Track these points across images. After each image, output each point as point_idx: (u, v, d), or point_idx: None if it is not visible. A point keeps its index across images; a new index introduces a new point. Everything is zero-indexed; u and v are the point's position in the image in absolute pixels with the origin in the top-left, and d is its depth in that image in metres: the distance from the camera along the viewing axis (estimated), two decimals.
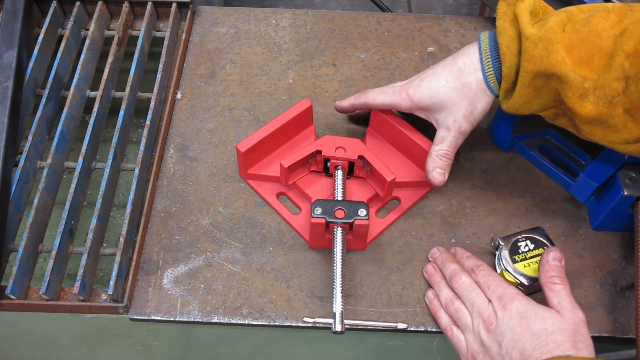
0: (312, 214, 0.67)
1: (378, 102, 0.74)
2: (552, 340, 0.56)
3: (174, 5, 0.89)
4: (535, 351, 0.56)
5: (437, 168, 0.69)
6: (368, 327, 0.67)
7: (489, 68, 0.64)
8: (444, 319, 0.66)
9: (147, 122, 0.78)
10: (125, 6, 0.88)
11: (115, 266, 0.67)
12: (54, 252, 0.67)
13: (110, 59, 0.83)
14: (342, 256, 0.66)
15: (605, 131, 0.60)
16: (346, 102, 0.78)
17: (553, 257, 0.63)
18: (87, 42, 0.84)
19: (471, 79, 0.65)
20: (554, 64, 0.58)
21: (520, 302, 0.60)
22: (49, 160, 0.74)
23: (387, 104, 0.73)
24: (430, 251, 0.72)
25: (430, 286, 0.70)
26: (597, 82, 0.57)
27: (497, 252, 0.70)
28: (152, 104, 0.80)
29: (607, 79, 0.57)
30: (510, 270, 0.68)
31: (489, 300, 0.62)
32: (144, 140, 0.77)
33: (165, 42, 0.86)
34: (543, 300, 0.61)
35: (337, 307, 0.63)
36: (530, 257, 0.68)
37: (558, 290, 0.61)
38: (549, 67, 0.58)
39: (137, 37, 0.86)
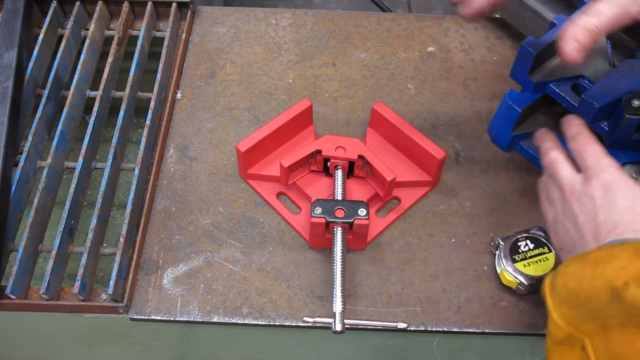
0: (312, 214, 0.67)
1: None
2: (639, 220, 0.50)
3: (174, 5, 0.89)
4: (617, 228, 0.50)
5: (576, 40, 0.54)
6: (368, 327, 0.67)
7: None
8: (542, 196, 0.63)
9: (147, 122, 0.78)
10: (125, 6, 0.88)
11: (115, 266, 0.67)
12: (54, 252, 0.67)
13: (110, 59, 0.83)
14: (342, 256, 0.66)
15: None
16: None
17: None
18: (87, 42, 0.84)
19: None
20: None
21: (612, 173, 0.53)
22: (49, 160, 0.74)
23: None
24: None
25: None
26: None
27: (497, 252, 0.70)
28: (152, 104, 0.80)
29: None
30: (510, 270, 0.68)
31: (580, 172, 0.57)
32: (144, 140, 0.77)
33: (165, 42, 0.86)
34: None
35: (337, 306, 0.63)
36: (530, 257, 0.68)
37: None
38: None
39: (137, 37, 0.86)
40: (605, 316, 0.46)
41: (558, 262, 0.66)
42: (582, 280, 0.47)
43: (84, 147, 0.75)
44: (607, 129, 0.70)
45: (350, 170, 0.75)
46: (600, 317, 0.46)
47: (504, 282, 0.69)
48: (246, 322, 0.69)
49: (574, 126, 0.62)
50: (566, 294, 0.48)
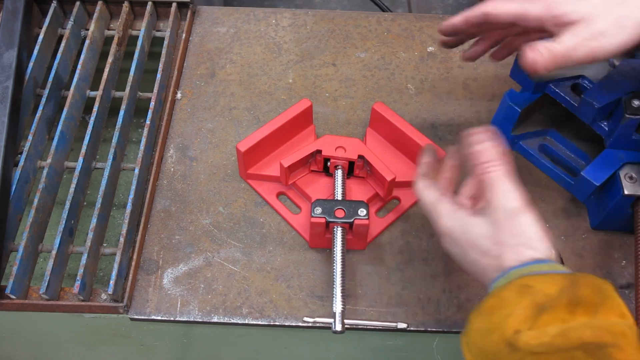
0: (312, 214, 0.67)
1: (502, 11, 0.59)
2: (490, 258, 0.51)
3: (174, 5, 0.89)
4: (503, 263, 0.50)
5: (536, 55, 0.54)
6: (368, 327, 0.67)
7: None
8: None
9: (147, 122, 0.78)
10: (125, 6, 0.88)
11: (115, 266, 0.67)
12: (54, 252, 0.67)
13: (110, 59, 0.83)
14: (342, 256, 0.66)
15: None
16: (457, 18, 0.63)
17: (477, 140, 0.54)
18: (87, 42, 0.84)
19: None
20: None
21: (442, 227, 0.55)
22: (49, 160, 0.74)
23: (513, 13, 0.58)
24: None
25: None
26: None
27: None
28: (152, 103, 0.80)
29: None
30: None
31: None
32: (144, 140, 0.77)
33: (165, 42, 0.86)
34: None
35: (337, 306, 0.63)
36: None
37: (490, 181, 0.52)
38: None
39: (137, 37, 0.86)
40: None
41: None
42: (484, 337, 0.47)
43: (84, 147, 0.75)
44: (607, 129, 0.70)
45: (350, 170, 0.75)
46: None
47: None
48: (246, 322, 0.69)
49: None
50: (478, 353, 0.48)
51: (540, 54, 0.54)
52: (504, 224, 0.51)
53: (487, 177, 0.52)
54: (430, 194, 0.58)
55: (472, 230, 0.53)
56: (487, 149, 0.53)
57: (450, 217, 0.55)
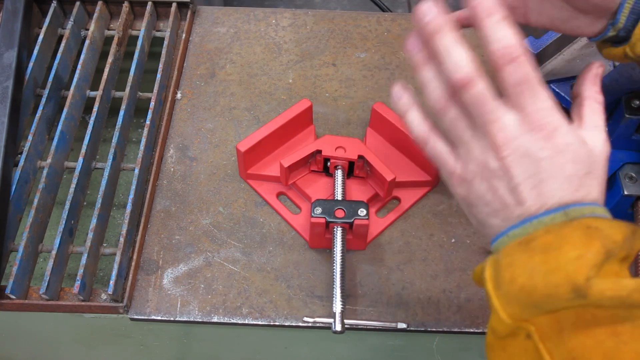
0: (312, 214, 0.67)
1: None
2: (583, 185, 0.44)
3: (174, 5, 0.89)
4: (563, 198, 0.43)
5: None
6: (368, 327, 0.67)
7: None
8: (420, 125, 0.50)
9: (147, 122, 0.78)
10: (125, 6, 0.88)
11: (115, 266, 0.67)
12: (54, 252, 0.67)
13: (110, 59, 0.83)
14: (342, 256, 0.66)
15: None
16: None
17: (600, 70, 0.50)
18: (87, 42, 0.84)
19: None
20: None
21: (566, 134, 0.44)
22: (49, 160, 0.74)
23: None
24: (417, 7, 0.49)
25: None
26: None
27: None
28: (152, 104, 0.80)
29: None
30: None
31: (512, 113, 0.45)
32: (144, 140, 0.77)
33: (165, 42, 0.86)
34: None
35: (337, 306, 0.63)
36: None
37: (599, 111, 0.48)
38: None
39: (137, 37, 0.86)
40: (562, 309, 0.41)
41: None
42: (535, 276, 0.41)
43: (84, 147, 0.75)
44: (607, 129, 0.70)
45: (350, 170, 0.75)
46: (555, 310, 0.41)
47: None
48: (246, 322, 0.69)
49: (509, 43, 0.44)
50: (516, 292, 0.42)
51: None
52: (603, 163, 0.46)
53: (598, 107, 0.48)
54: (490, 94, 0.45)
55: (571, 146, 0.44)
56: (598, 79, 0.49)
57: (567, 123, 0.45)
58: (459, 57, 0.46)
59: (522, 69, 0.43)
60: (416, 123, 0.50)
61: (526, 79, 0.43)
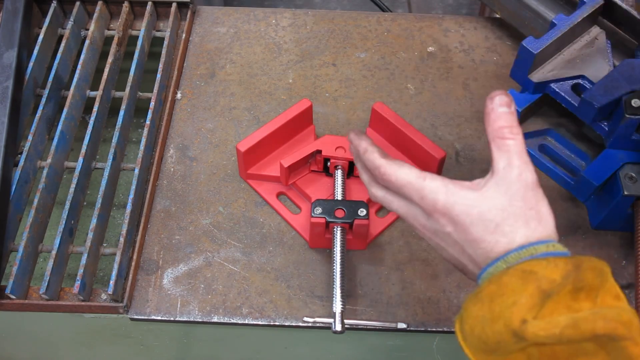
0: (312, 214, 0.67)
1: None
2: (502, 233, 0.46)
3: (174, 5, 0.89)
4: (491, 252, 0.46)
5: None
6: (368, 327, 0.67)
7: None
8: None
9: (147, 122, 0.78)
10: (125, 6, 0.88)
11: (115, 266, 0.67)
12: (54, 252, 0.67)
13: (110, 59, 0.83)
14: (342, 256, 0.66)
15: None
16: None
17: (499, 103, 0.49)
18: (87, 42, 0.84)
19: None
20: None
21: (445, 208, 0.48)
22: (49, 160, 0.74)
23: None
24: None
25: None
26: None
27: None
28: (152, 104, 0.80)
29: None
30: None
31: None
32: (144, 140, 0.77)
33: (165, 42, 0.86)
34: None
35: (337, 306, 0.63)
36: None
37: (508, 148, 0.48)
38: None
39: (137, 37, 0.86)
40: (514, 351, 0.44)
41: None
42: (485, 325, 0.44)
43: (84, 147, 0.75)
44: (607, 129, 0.70)
45: (350, 170, 0.75)
46: (511, 353, 0.45)
47: None
48: (246, 322, 0.69)
49: (359, 140, 0.55)
50: (477, 342, 0.45)
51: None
52: (522, 196, 0.47)
53: (505, 144, 0.48)
54: (409, 172, 0.50)
55: (483, 203, 0.47)
56: (509, 114, 0.48)
57: (446, 191, 0.48)
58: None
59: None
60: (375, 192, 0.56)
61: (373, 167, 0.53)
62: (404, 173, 0.51)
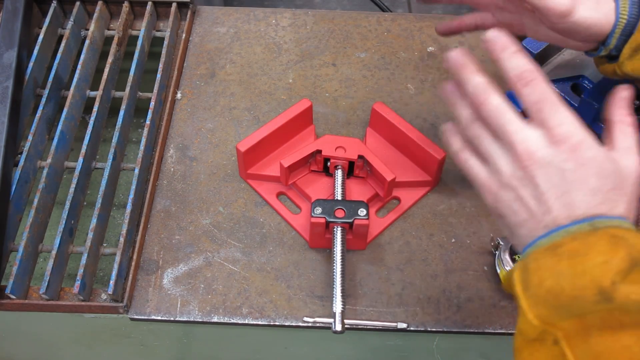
0: (312, 214, 0.67)
1: None
2: (608, 199, 0.45)
3: (174, 5, 0.89)
4: (588, 210, 0.45)
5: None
6: (368, 327, 0.67)
7: (623, 14, 0.56)
8: (456, 144, 0.55)
9: (147, 122, 0.78)
10: (125, 6, 0.88)
11: (115, 266, 0.67)
12: (54, 252, 0.67)
13: (110, 59, 0.83)
14: (342, 256, 0.66)
15: None
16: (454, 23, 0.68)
17: (627, 93, 0.51)
18: (87, 42, 0.84)
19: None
20: None
21: (589, 147, 0.46)
22: (49, 160, 0.74)
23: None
24: (449, 55, 0.52)
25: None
26: None
27: (497, 252, 0.70)
28: (152, 103, 0.80)
29: None
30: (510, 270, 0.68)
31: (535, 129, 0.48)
32: (144, 140, 0.77)
33: (165, 42, 0.86)
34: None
35: (337, 306, 0.63)
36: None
37: (630, 133, 0.49)
38: None
39: (137, 37, 0.86)
40: (588, 312, 0.42)
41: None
42: (562, 279, 0.43)
43: (84, 147, 0.75)
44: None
45: (350, 170, 0.75)
46: (582, 314, 0.42)
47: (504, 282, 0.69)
48: (246, 322, 0.69)
49: (518, 64, 0.49)
50: (544, 294, 0.43)
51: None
52: (633, 181, 0.47)
53: (628, 129, 0.49)
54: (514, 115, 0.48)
55: (614, 163, 0.46)
56: (627, 100, 0.50)
57: (585, 133, 0.47)
58: (475, 82, 0.51)
59: (539, 89, 0.47)
60: (451, 142, 0.55)
61: (544, 97, 0.47)
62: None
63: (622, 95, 0.51)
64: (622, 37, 0.57)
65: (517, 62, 0.49)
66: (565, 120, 0.46)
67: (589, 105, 0.68)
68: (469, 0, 0.68)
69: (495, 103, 0.49)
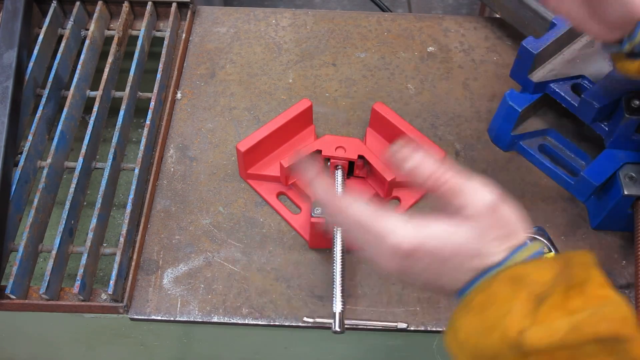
0: (312, 214, 0.67)
1: None
2: (483, 256, 0.45)
3: (174, 5, 0.89)
4: (471, 271, 0.45)
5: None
6: (368, 327, 0.67)
7: None
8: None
9: (147, 122, 0.78)
10: (125, 6, 0.88)
11: (115, 266, 0.67)
12: (54, 252, 0.67)
13: (110, 59, 0.83)
14: (342, 256, 0.66)
15: None
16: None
17: (410, 157, 0.48)
18: (87, 42, 0.84)
19: None
20: None
21: (412, 241, 0.45)
22: (49, 160, 0.74)
23: None
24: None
25: None
26: None
27: None
28: (152, 103, 0.80)
29: None
30: None
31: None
32: (144, 140, 0.77)
33: (165, 42, 0.86)
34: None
35: (337, 307, 0.63)
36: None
37: (451, 190, 0.47)
38: None
39: (137, 37, 0.86)
40: None
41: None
42: (479, 337, 0.43)
43: (84, 147, 0.75)
44: (607, 129, 0.70)
45: (350, 170, 0.75)
46: None
47: None
48: (246, 322, 0.69)
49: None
50: (473, 351, 0.43)
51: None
52: (489, 220, 0.46)
53: (448, 187, 0.47)
54: (367, 208, 0.47)
55: (455, 236, 0.46)
56: (426, 162, 0.48)
57: (414, 229, 0.46)
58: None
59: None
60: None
61: None
62: (363, 210, 0.47)
63: (412, 162, 0.48)
64: None
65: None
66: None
67: (589, 105, 0.68)
68: None
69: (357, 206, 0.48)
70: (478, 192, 0.47)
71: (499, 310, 0.42)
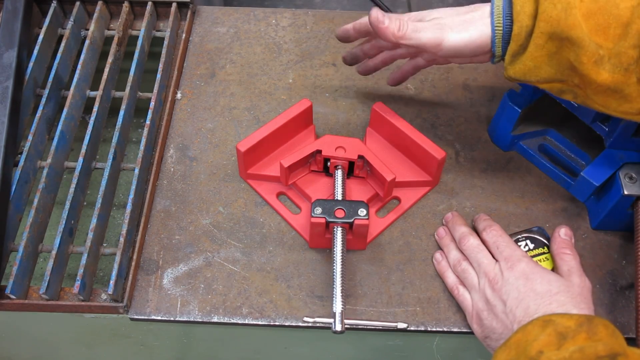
0: (312, 214, 0.67)
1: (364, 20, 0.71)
2: (555, 300, 0.59)
3: (174, 5, 0.89)
4: (538, 310, 0.58)
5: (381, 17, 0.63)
6: (368, 327, 0.67)
7: (498, 25, 0.62)
8: (451, 279, 0.69)
9: (147, 122, 0.78)
10: (125, 6, 0.88)
11: (115, 266, 0.67)
12: (54, 252, 0.67)
13: (110, 59, 0.83)
14: (342, 256, 0.66)
15: (619, 101, 0.58)
16: (348, 25, 0.75)
17: (564, 233, 0.68)
18: (87, 42, 0.84)
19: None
20: (570, 26, 0.56)
21: (527, 264, 0.63)
22: (49, 160, 0.74)
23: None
24: (445, 216, 0.74)
25: (440, 249, 0.73)
26: (612, 51, 0.56)
27: None
28: (152, 103, 0.80)
29: (622, 46, 0.55)
30: None
31: (497, 261, 0.65)
32: (144, 140, 0.77)
33: (165, 42, 0.86)
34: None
35: (337, 306, 0.63)
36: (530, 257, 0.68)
37: (568, 260, 0.65)
38: (565, 30, 0.57)
39: (137, 37, 0.86)
40: None
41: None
42: None
43: (84, 147, 0.75)
44: (607, 129, 0.70)
45: (350, 170, 0.75)
46: None
47: None
48: (246, 322, 0.69)
49: (484, 220, 0.71)
50: None
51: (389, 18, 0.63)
52: (579, 292, 0.62)
53: (565, 257, 0.66)
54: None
55: (535, 271, 0.62)
56: (566, 239, 0.68)
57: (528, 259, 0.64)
58: (461, 230, 0.70)
59: (494, 233, 0.68)
60: (446, 276, 0.70)
61: (498, 237, 0.67)
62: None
63: (561, 233, 0.68)
64: (504, 45, 0.62)
65: (483, 222, 0.70)
66: (508, 246, 0.65)
67: None
68: (382, 59, 0.78)
69: (473, 243, 0.67)
70: (577, 272, 0.64)
71: (529, 338, 0.54)
